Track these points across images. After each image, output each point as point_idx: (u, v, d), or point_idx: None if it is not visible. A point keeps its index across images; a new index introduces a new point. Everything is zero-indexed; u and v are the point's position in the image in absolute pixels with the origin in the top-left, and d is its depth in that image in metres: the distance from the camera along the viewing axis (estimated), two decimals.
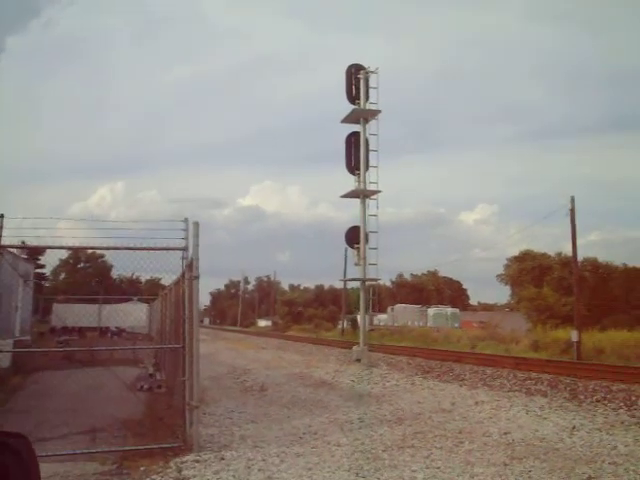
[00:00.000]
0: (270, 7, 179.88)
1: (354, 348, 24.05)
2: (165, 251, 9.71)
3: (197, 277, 9.23)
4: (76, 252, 66.30)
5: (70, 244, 9.84)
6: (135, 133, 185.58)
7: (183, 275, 10.53)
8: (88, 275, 75.31)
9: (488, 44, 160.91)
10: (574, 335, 29.38)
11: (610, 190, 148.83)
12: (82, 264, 77.88)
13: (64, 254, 66.67)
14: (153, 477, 7.69)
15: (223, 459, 8.52)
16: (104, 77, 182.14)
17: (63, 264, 72.52)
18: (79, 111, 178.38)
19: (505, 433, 10.16)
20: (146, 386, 15.80)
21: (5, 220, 9.02)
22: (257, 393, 15.52)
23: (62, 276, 75.60)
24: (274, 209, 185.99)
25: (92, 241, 10.63)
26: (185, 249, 9.45)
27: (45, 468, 8.09)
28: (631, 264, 73.60)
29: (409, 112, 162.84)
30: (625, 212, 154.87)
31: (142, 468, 8.10)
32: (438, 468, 8.05)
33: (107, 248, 9.72)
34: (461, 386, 16.67)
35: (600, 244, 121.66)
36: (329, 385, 16.95)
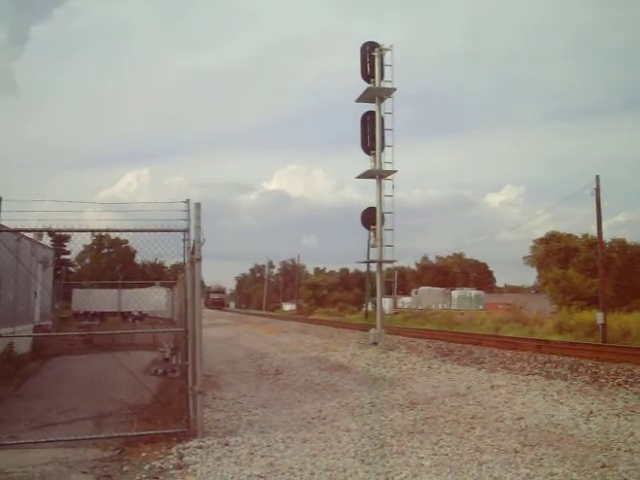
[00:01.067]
0: None
1: (371, 331, 23.80)
2: (170, 233, 9.48)
3: (199, 259, 9.02)
4: (100, 238, 66.78)
5: (68, 227, 9.66)
6: (161, 119, 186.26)
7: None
8: (112, 261, 75.70)
9: (514, 24, 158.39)
10: (599, 317, 28.94)
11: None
12: (106, 250, 78.30)
13: (88, 240, 66.99)
14: (153, 463, 7.53)
15: (227, 445, 8.34)
16: (129, 64, 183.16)
17: (87, 250, 72.97)
18: (105, 98, 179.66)
19: (519, 418, 9.86)
20: (160, 370, 15.74)
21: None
22: (271, 377, 15.38)
23: (86, 261, 76.14)
24: (299, 193, 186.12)
25: (103, 225, 10.47)
26: (187, 231, 9.23)
27: (44, 454, 8.01)
28: None
29: (437, 94, 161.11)
30: None
31: (143, 454, 7.95)
32: (446, 455, 7.80)
33: (110, 230, 9.56)
34: (479, 369, 16.36)
35: (628, 225, 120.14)
36: (345, 369, 16.74)
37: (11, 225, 9.70)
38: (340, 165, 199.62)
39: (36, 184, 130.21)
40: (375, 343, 22.66)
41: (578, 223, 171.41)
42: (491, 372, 15.76)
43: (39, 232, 20.04)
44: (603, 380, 14.02)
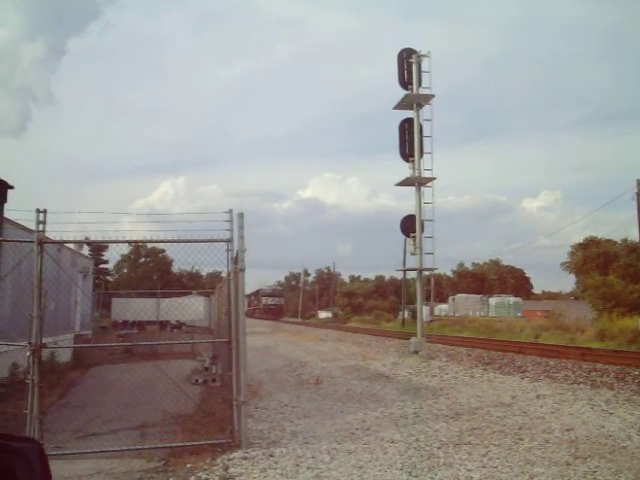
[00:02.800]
0: (324, 4, 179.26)
1: (412, 339, 23.58)
2: (218, 243, 9.45)
3: (243, 270, 9.00)
4: (137, 247, 67.39)
5: (113, 238, 9.70)
6: (196, 128, 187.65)
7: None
8: (149, 269, 76.44)
9: (547, 27, 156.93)
10: None
11: None
12: (143, 259, 79.04)
13: (125, 249, 67.70)
14: (199, 475, 7.50)
15: (272, 456, 8.28)
16: (164, 75, 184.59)
17: (125, 259, 73.74)
18: (141, 110, 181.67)
19: (568, 429, 9.64)
20: (201, 380, 15.75)
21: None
22: (312, 386, 15.28)
23: (124, 271, 76.98)
24: (334, 201, 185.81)
25: (144, 236, 10.52)
26: (229, 241, 9.21)
27: (89, 464, 8.03)
28: None
29: (469, 99, 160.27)
30: None
31: (188, 465, 7.94)
32: (495, 467, 7.65)
33: (153, 241, 9.57)
34: (522, 378, 16.10)
35: None
36: (385, 378, 16.59)
37: (52, 236, 9.74)
38: (374, 173, 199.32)
39: (72, 195, 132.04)
40: (416, 352, 22.44)
41: (617, 228, 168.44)
42: (535, 381, 15.50)
43: (86, 244, 20.27)
44: None
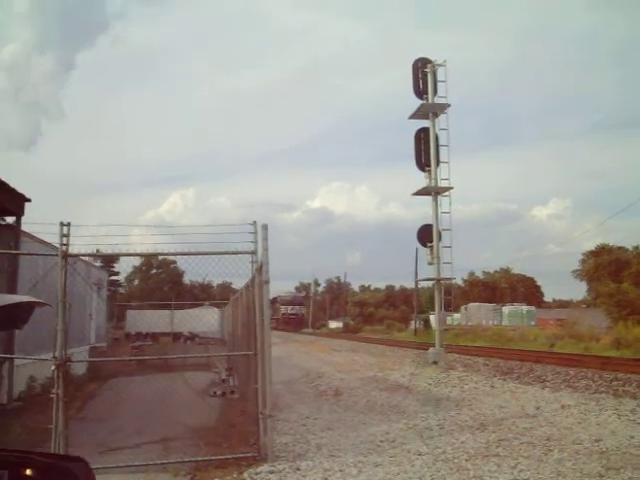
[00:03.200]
0: (332, 6, 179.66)
1: (430, 350, 23.42)
2: (235, 255, 9.42)
3: (267, 281, 8.95)
4: (148, 259, 67.45)
5: (140, 251, 9.69)
6: (205, 140, 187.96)
7: (253, 279, 10.30)
8: (161, 281, 76.63)
9: (557, 34, 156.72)
10: None
11: None
12: (154, 270, 79.19)
13: (136, 261, 67.89)
14: None
15: (299, 469, 8.19)
16: (173, 87, 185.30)
17: (136, 271, 73.88)
18: (149, 122, 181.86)
19: (597, 440, 9.50)
20: (219, 392, 15.68)
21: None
22: (331, 398, 15.18)
23: (135, 282, 77.16)
24: (343, 210, 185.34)
25: (162, 247, 10.52)
26: (254, 253, 9.17)
27: (117, 479, 7.94)
28: None
29: (477, 107, 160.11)
30: None
31: (215, 479, 7.85)
32: (527, 479, 7.53)
33: (178, 254, 9.52)
34: (543, 388, 15.94)
35: None
36: (405, 389, 16.47)
37: (71, 249, 9.67)
38: (384, 182, 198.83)
39: (82, 207, 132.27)
40: (435, 362, 22.28)
41: (627, 235, 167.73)
42: (556, 391, 15.33)
43: (109, 256, 20.30)
44: None
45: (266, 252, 8.84)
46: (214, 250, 9.14)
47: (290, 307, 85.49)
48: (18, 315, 3.27)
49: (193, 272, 9.94)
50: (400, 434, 10.52)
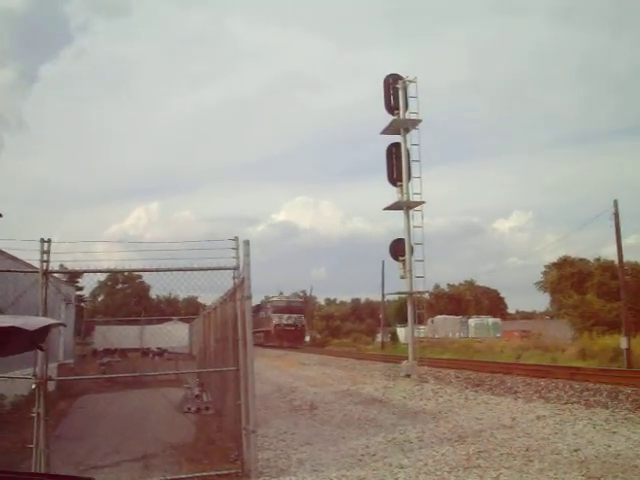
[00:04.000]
0: (294, 24, 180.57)
1: (403, 363, 23.53)
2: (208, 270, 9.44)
3: (249, 297, 8.96)
4: (114, 273, 66.82)
5: (127, 267, 9.63)
6: (169, 155, 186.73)
7: (233, 294, 10.29)
8: (127, 296, 75.81)
9: (517, 49, 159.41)
10: (623, 342, 28.55)
11: None
12: (120, 285, 78.41)
13: (102, 276, 67.16)
14: None
15: None
16: (137, 101, 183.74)
17: (101, 286, 73.07)
18: (113, 135, 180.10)
19: (575, 450, 9.65)
20: (193, 408, 15.55)
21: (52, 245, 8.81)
22: (307, 412, 15.16)
23: (101, 297, 76.31)
24: (308, 224, 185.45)
25: (133, 262, 10.47)
26: (236, 268, 9.19)
27: None
28: None
29: (442, 121, 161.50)
30: None
31: None
32: None
33: (162, 270, 9.41)
34: (516, 399, 16.13)
35: (639, 247, 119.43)
36: (380, 402, 16.53)
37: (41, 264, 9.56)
38: (348, 196, 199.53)
39: (45, 222, 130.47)
40: (408, 375, 22.39)
41: (588, 247, 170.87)
42: (529, 402, 15.53)
43: (90, 272, 20.10)
44: None
45: (248, 267, 8.85)
46: (199, 266, 9.13)
47: (286, 316, 65.79)
48: (40, 336, 3.26)
49: (161, 287, 9.92)
50: (380, 447, 10.56)
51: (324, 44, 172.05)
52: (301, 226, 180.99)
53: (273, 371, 28.93)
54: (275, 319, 65.32)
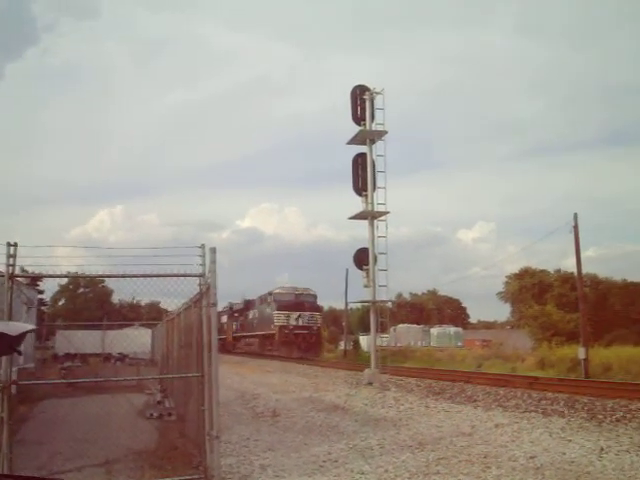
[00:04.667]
0: (263, 29, 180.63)
1: (366, 371, 23.71)
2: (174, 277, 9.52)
3: (215, 304, 9.05)
4: (76, 277, 66.10)
5: (92, 272, 9.64)
6: (133, 157, 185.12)
7: (198, 301, 10.37)
8: (88, 300, 74.97)
9: (480, 61, 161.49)
10: (581, 352, 29.09)
11: (606, 205, 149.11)
12: (82, 289, 77.53)
13: (64, 280, 66.36)
14: None
15: None
16: (102, 103, 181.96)
17: (63, 289, 72.19)
18: (77, 137, 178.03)
19: (532, 457, 9.91)
20: (156, 414, 15.54)
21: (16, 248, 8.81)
22: (269, 419, 15.23)
23: (62, 301, 75.38)
24: (272, 231, 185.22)
25: (97, 268, 10.46)
26: (202, 275, 9.27)
27: None
28: (630, 279, 73.89)
29: (403, 132, 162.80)
30: (622, 227, 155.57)
31: None
32: None
33: (128, 276, 9.43)
34: (475, 408, 16.41)
35: (598, 260, 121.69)
36: (342, 409, 16.67)
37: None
38: (313, 203, 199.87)
39: (4, 223, 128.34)
40: (370, 383, 22.57)
41: (549, 258, 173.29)
42: (488, 410, 15.81)
43: (57, 277, 19.95)
44: (601, 416, 14.15)
45: (214, 275, 8.94)
46: (165, 272, 9.20)
47: (295, 315, 48.19)
48: (18, 341, 3.31)
49: (124, 292, 9.99)
50: (342, 454, 10.70)
51: (291, 50, 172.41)
52: (266, 232, 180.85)
53: (235, 377, 28.87)
54: (280, 319, 47.89)
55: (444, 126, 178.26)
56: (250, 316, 58.56)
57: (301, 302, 49.09)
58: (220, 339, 63.89)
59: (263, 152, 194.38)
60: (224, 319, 68.12)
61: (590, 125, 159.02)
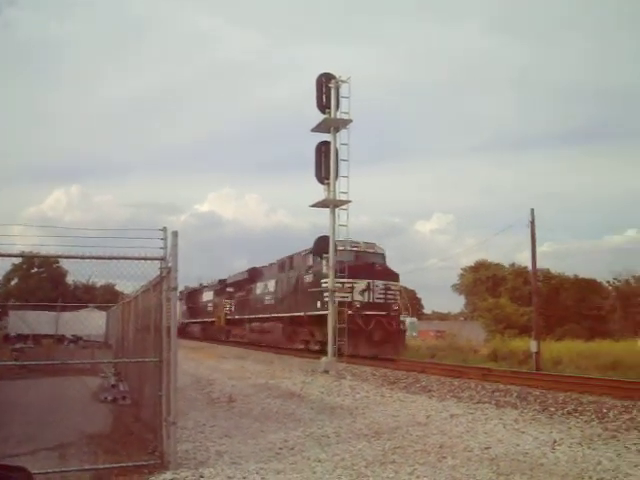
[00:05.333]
0: (233, 14, 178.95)
1: (322, 359, 23.74)
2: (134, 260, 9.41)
3: (175, 288, 8.98)
4: (31, 257, 64.83)
5: (49, 251, 9.46)
6: (92, 137, 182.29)
7: (155, 285, 10.28)
8: (42, 280, 73.72)
9: (451, 57, 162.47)
10: (533, 345, 29.59)
11: (562, 201, 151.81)
12: (35, 269, 76.18)
13: (17, 259, 65.08)
14: None
15: (202, 477, 8.23)
16: (62, 82, 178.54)
17: (16, 269, 70.86)
18: (35, 115, 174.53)
19: (486, 448, 10.04)
20: (110, 397, 15.38)
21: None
22: (225, 405, 15.18)
23: (14, 281, 74.01)
24: (231, 216, 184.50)
25: (52, 248, 10.24)
26: (163, 259, 9.18)
27: None
28: (582, 275, 75.52)
29: (369, 121, 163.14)
30: (576, 223, 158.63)
31: None
32: None
33: (85, 257, 9.27)
34: (430, 398, 16.56)
35: (552, 255, 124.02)
36: (298, 397, 16.68)
37: None
38: (274, 190, 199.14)
39: None
40: (327, 371, 22.62)
41: (506, 252, 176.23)
42: (443, 400, 15.97)
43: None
44: (552, 409, 14.37)
45: (175, 258, 8.85)
46: (125, 255, 9.09)
47: (362, 284, 30.09)
48: None
49: (79, 273, 9.84)
50: (298, 442, 10.71)
51: (258, 36, 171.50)
52: (225, 217, 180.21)
53: (190, 363, 28.70)
54: (351, 294, 29.22)
55: (412, 118, 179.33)
56: (259, 290, 43.07)
57: (370, 265, 31.00)
58: (202, 323, 61.40)
59: (225, 137, 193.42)
60: (207, 297, 60.71)
61: (547, 123, 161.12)
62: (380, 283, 30.58)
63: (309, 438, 11.04)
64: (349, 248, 29.74)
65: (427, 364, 27.05)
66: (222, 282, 54.70)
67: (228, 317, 50.59)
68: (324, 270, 27.67)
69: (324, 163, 24.33)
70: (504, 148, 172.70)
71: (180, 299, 72.45)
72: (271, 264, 42.08)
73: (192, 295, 68.53)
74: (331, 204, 24.30)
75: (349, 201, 24.16)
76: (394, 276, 32.23)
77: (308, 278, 33.10)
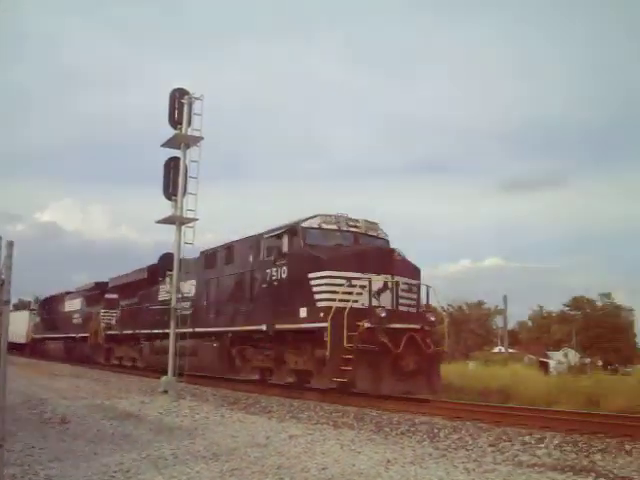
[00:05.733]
0: (83, 19, 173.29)
1: (162, 379, 23.17)
2: None
3: (8, 301, 8.53)
4: None
5: None
6: None
7: None
8: None
9: (305, 80, 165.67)
10: None
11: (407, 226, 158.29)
12: None
13: None
14: None
15: None
16: None
17: None
18: None
19: (323, 468, 10.20)
20: None
21: None
22: (58, 426, 14.52)
23: None
24: (74, 227, 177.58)
25: None
26: None
27: None
28: None
29: (219, 140, 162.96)
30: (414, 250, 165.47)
31: None
32: None
33: None
34: (270, 419, 16.61)
35: None
36: (136, 417, 16.22)
37: None
38: (119, 203, 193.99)
39: None
40: (166, 391, 22.11)
41: None
42: (282, 421, 16.06)
43: None
44: (387, 429, 14.85)
45: (10, 270, 8.41)
46: None
47: (380, 280, 19.33)
48: None
49: None
50: (134, 464, 10.41)
51: (112, 44, 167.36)
52: (66, 228, 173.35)
53: (21, 380, 27.30)
54: (333, 292, 19.42)
55: (259, 138, 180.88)
56: (158, 291, 33.32)
57: (385, 252, 21.15)
58: (66, 339, 51.36)
59: (70, 146, 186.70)
60: (73, 305, 49.04)
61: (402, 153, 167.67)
62: (404, 281, 20.34)
63: (145, 460, 10.77)
64: (344, 227, 21.89)
65: (265, 385, 27.01)
66: (100, 286, 44.12)
67: (109, 332, 40.36)
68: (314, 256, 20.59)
69: (172, 179, 23.91)
70: (343, 176, 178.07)
71: (31, 310, 66.09)
72: (214, 249, 29.80)
73: (50, 303, 58.01)
74: (177, 221, 23.90)
75: (196, 219, 23.84)
76: (417, 272, 21.31)
77: (295, 268, 21.83)
